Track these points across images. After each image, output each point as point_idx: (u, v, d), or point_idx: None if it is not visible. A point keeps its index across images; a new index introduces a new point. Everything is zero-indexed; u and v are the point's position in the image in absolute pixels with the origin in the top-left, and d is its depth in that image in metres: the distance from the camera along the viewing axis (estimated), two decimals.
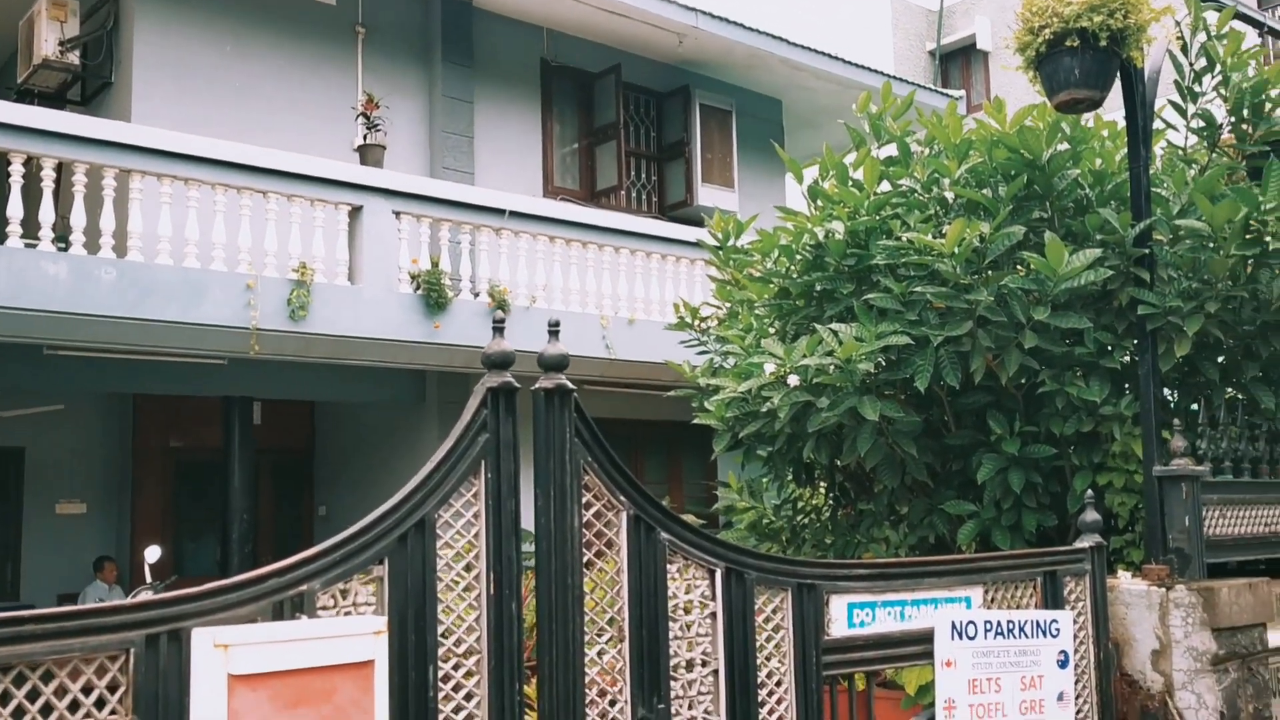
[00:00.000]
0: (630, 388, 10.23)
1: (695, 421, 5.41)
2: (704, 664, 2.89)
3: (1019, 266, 4.21)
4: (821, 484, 5.51)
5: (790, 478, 5.41)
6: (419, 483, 2.49)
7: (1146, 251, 4.07)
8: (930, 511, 4.68)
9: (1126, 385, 4.32)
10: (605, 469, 2.76)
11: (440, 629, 2.48)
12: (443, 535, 2.52)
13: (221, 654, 2.09)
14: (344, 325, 8.24)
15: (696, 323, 5.62)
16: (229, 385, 8.97)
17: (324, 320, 8.12)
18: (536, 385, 2.69)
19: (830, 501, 5.53)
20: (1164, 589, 3.69)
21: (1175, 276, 4.19)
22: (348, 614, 2.33)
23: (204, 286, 7.62)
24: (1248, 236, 3.91)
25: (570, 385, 2.70)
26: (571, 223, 9.48)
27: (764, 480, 5.76)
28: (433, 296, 8.54)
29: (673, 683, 2.82)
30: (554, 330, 2.73)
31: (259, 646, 2.12)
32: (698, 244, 6.80)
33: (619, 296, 9.72)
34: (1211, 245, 4.01)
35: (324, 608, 2.32)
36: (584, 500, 2.72)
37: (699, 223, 9.11)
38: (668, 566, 2.84)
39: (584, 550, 2.71)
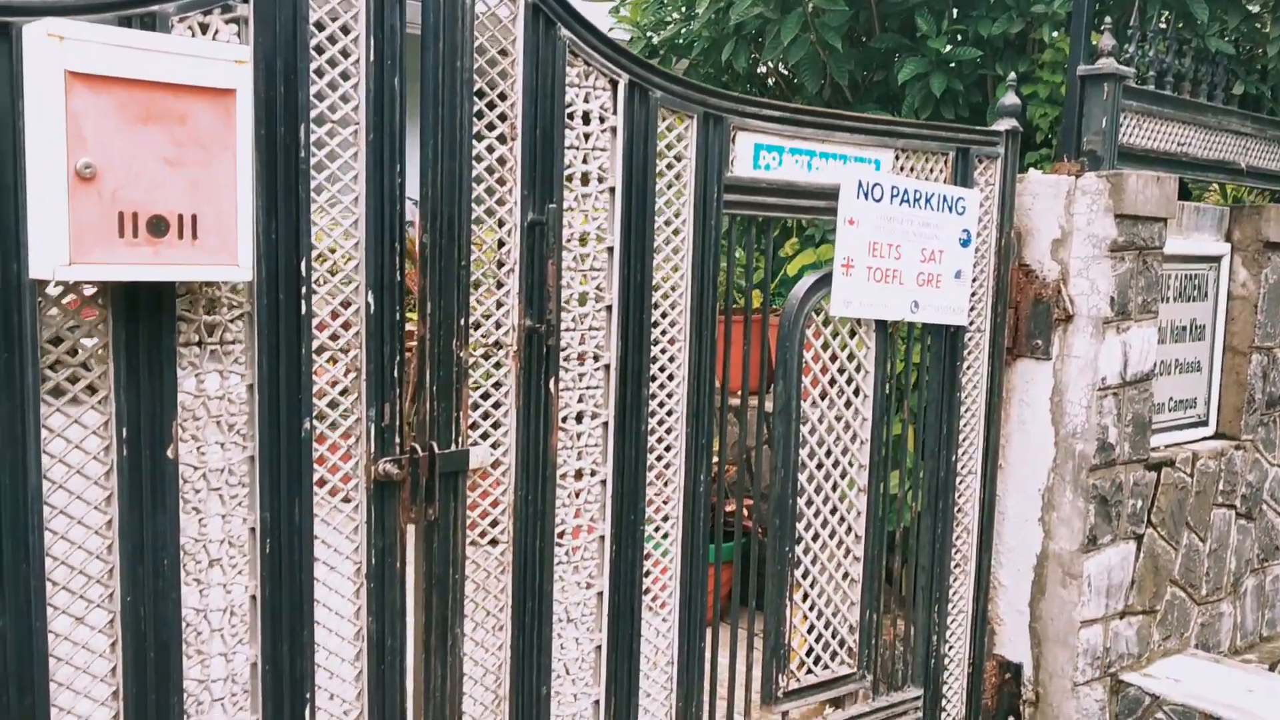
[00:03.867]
0: None
1: (610, 31, 5.11)
2: (600, 180, 2.75)
3: None
4: None
5: None
6: None
7: None
8: None
9: None
10: None
11: (314, 89, 2.28)
12: None
13: (56, 46, 1.86)
14: None
15: None
16: None
17: None
18: None
19: None
20: (1073, 177, 3.63)
21: None
22: None
23: None
24: None
25: None
26: None
27: None
28: None
29: (567, 194, 2.69)
30: None
31: (101, 46, 1.90)
32: None
33: None
34: None
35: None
36: None
37: None
38: (567, 70, 2.65)
39: (475, 35, 2.49)
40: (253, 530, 2.30)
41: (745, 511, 4.76)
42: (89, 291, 2.05)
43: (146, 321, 2.09)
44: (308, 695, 2.40)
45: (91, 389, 2.08)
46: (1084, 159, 3.80)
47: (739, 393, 3.19)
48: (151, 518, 2.15)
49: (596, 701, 2.90)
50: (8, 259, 1.94)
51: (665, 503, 2.97)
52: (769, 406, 3.31)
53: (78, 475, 2.08)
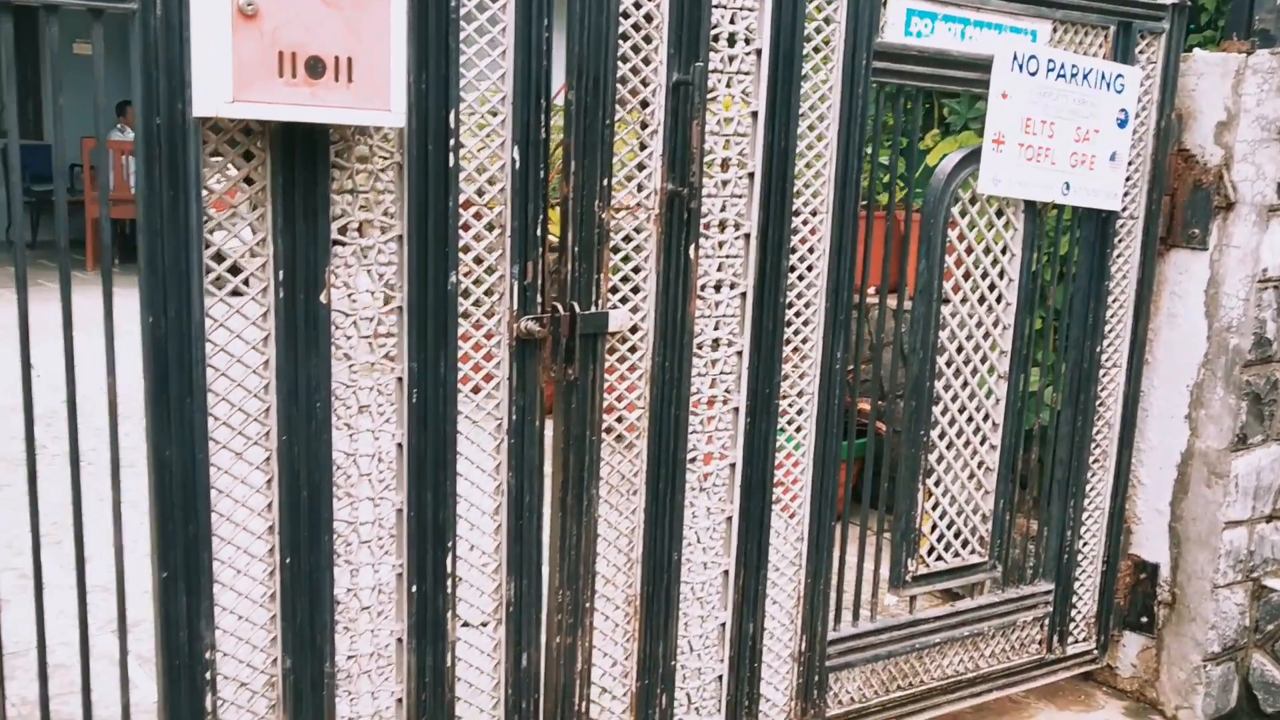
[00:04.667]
0: None
1: None
2: (747, 41, 2.68)
3: None
4: None
5: None
6: None
7: None
8: None
9: None
10: None
11: None
12: None
13: None
14: None
15: None
16: None
17: None
18: None
19: None
20: (1243, 55, 3.42)
21: None
22: None
23: None
24: None
25: None
26: None
27: None
28: None
29: (713, 55, 2.63)
30: None
31: None
32: None
33: None
34: None
35: None
36: None
37: None
38: None
39: None
40: (400, 380, 2.34)
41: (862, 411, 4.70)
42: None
43: (302, 165, 2.13)
44: (449, 544, 2.46)
45: (251, 231, 2.13)
46: (1254, 38, 3.56)
47: (874, 290, 3.13)
48: (305, 361, 2.20)
49: (726, 571, 2.92)
50: (173, 98, 1.99)
51: (801, 378, 2.94)
52: (901, 305, 3.25)
53: (237, 315, 2.14)
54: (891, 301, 4.57)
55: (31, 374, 2.02)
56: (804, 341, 2.92)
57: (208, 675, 2.20)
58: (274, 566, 2.26)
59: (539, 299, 2.49)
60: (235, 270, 2.13)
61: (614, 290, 2.61)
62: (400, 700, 2.47)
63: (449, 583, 2.47)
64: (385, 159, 2.25)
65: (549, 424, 2.58)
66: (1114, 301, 3.54)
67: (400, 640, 2.45)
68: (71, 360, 2.05)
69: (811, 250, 2.89)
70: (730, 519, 2.90)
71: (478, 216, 2.40)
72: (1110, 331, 3.56)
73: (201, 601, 2.17)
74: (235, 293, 2.13)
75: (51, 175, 2.08)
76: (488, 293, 2.45)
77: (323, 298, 2.20)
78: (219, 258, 2.10)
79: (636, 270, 2.64)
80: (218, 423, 2.14)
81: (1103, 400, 3.61)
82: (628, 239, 2.62)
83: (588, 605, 2.71)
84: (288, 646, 2.29)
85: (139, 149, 1.99)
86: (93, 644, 2.19)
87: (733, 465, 2.87)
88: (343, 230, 2.22)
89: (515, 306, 2.46)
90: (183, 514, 2.12)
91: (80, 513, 2.11)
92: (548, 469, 2.59)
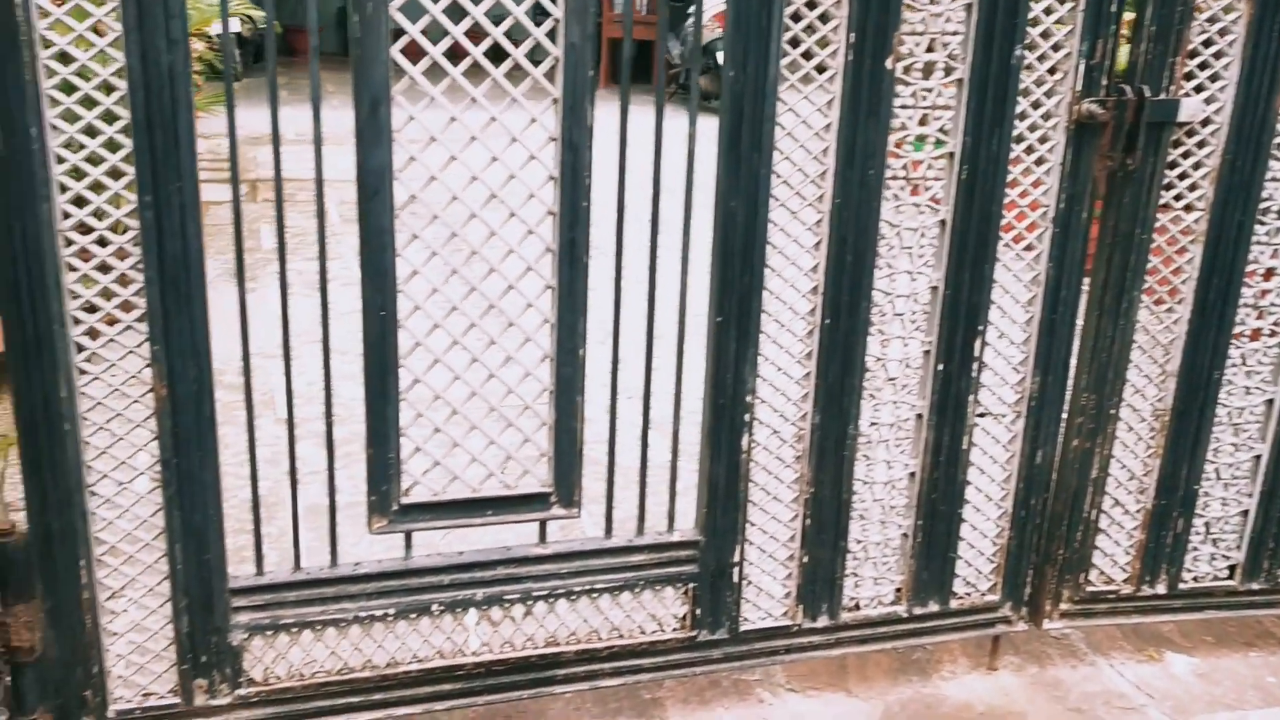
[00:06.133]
0: None
1: None
2: None
3: None
4: None
5: None
6: None
7: None
8: None
9: None
10: None
11: None
12: None
13: None
14: None
15: None
16: None
17: None
18: None
19: None
20: None
21: None
22: None
23: None
24: None
25: None
26: None
27: None
28: None
29: None
30: None
31: None
32: None
33: None
34: None
35: None
36: None
37: None
38: None
39: None
40: (951, 155, 2.32)
41: None
42: None
43: None
44: (979, 328, 2.44)
45: None
46: None
47: None
48: (865, 126, 2.23)
49: (1269, 400, 2.68)
50: None
51: None
52: None
53: (808, 74, 2.20)
54: None
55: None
56: None
57: (746, 417, 2.37)
58: (814, 326, 2.36)
59: (1104, 81, 2.34)
60: (810, 30, 2.18)
61: (1188, 77, 2.40)
62: (913, 475, 2.54)
63: (974, 366, 2.47)
64: None
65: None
66: None
67: (920, 416, 2.50)
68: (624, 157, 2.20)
69: None
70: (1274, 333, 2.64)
71: None
72: None
73: (748, 348, 2.32)
74: (807, 54, 2.19)
75: None
76: (1051, 70, 2.33)
77: (888, 63, 2.21)
78: (796, 17, 2.16)
79: (1218, 56, 2.40)
80: (779, 180, 2.24)
81: None
82: (1213, 19, 2.38)
83: (1112, 413, 2.61)
84: (818, 403, 2.41)
85: None
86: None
87: None
88: None
89: (1078, 87, 2.33)
90: (740, 263, 2.26)
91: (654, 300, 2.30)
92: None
